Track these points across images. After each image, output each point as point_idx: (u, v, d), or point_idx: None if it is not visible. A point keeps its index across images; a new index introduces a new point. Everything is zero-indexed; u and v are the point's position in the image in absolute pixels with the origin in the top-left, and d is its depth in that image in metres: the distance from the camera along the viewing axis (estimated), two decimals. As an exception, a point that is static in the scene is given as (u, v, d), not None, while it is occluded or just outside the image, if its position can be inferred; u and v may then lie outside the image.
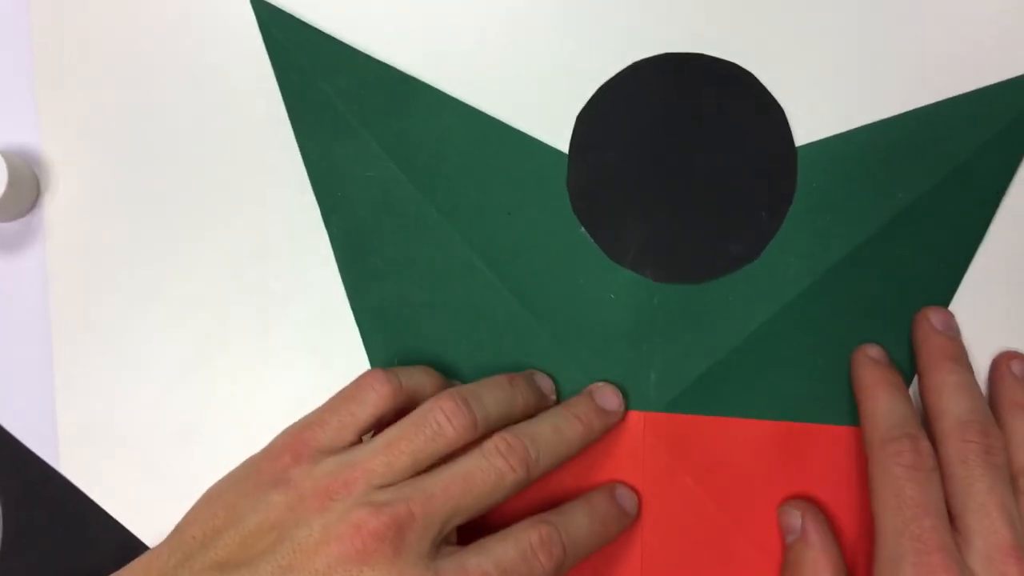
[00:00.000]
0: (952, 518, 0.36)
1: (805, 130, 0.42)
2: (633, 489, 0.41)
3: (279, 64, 0.43)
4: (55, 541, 0.42)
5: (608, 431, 0.40)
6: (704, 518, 0.41)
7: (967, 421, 0.37)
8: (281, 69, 0.43)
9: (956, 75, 0.41)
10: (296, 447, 0.36)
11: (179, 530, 0.36)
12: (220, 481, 0.37)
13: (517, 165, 0.42)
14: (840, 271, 0.41)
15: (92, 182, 0.43)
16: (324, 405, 0.38)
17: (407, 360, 0.42)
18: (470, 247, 0.42)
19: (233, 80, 0.43)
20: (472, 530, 0.37)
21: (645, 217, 0.42)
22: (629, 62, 0.42)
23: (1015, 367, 0.40)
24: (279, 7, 0.43)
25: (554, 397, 0.41)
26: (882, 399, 0.38)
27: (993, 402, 0.40)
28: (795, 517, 0.39)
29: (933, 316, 0.40)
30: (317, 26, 0.43)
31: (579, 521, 0.38)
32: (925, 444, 0.37)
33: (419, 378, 0.39)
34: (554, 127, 0.42)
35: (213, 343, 0.43)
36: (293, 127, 0.43)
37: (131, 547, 0.42)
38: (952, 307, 0.41)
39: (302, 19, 0.43)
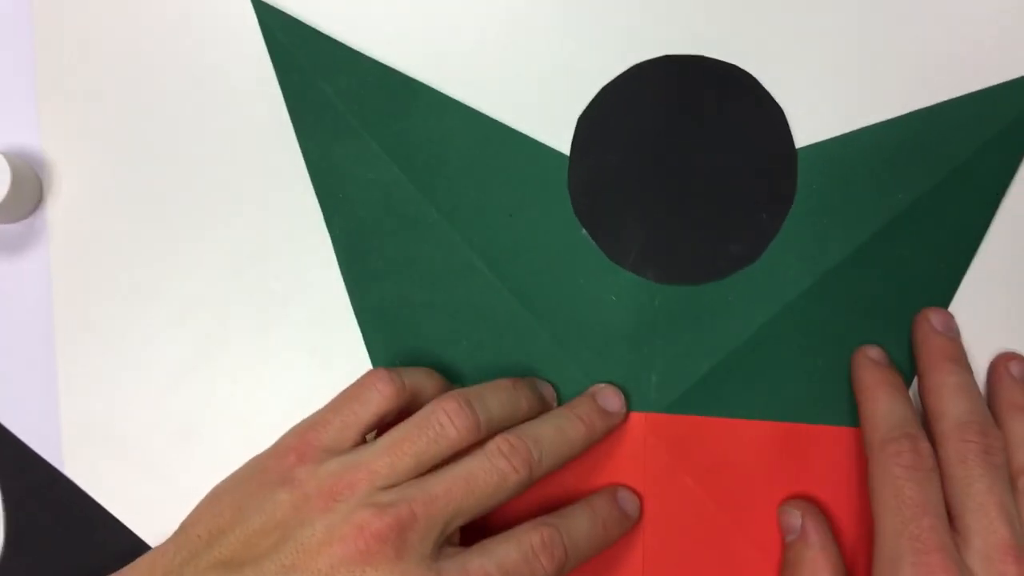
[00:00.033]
0: (951, 518, 0.36)
1: (805, 132, 0.42)
2: (635, 492, 0.41)
3: (280, 65, 0.43)
4: (58, 541, 0.42)
5: (610, 432, 0.41)
6: (705, 518, 0.41)
7: (966, 422, 0.37)
8: (282, 70, 0.43)
9: (956, 76, 0.41)
10: (301, 447, 0.36)
11: (184, 528, 0.36)
12: (225, 480, 0.38)
13: (518, 167, 0.42)
14: (840, 272, 0.41)
15: (94, 183, 0.43)
16: (328, 405, 0.38)
17: (408, 360, 0.42)
18: (471, 248, 0.42)
19: (234, 81, 0.43)
20: (475, 531, 0.37)
21: (646, 218, 0.42)
22: (630, 64, 0.43)
23: (1013, 368, 0.40)
24: (281, 9, 0.43)
25: (555, 404, 0.41)
26: (882, 400, 0.39)
27: (992, 403, 0.40)
28: (795, 517, 0.39)
29: (933, 317, 0.40)
30: (318, 28, 0.43)
31: (581, 524, 0.38)
32: (924, 445, 0.37)
33: (421, 379, 0.39)
34: (555, 129, 0.43)
35: (214, 343, 0.43)
36: (294, 128, 0.43)
37: (133, 547, 0.42)
38: (952, 308, 0.41)
39: (304, 21, 0.43)
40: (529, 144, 0.42)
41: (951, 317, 0.40)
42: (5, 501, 0.43)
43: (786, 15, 0.42)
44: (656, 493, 0.41)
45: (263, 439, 0.39)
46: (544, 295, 0.42)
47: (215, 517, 0.36)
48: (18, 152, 0.43)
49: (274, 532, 0.35)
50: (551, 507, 0.39)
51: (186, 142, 0.43)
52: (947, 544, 0.35)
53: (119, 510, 0.43)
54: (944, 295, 0.41)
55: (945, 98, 0.41)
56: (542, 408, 0.40)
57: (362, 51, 0.43)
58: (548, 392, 0.41)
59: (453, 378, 0.41)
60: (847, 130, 0.42)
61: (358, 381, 0.38)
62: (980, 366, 0.41)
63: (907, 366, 0.41)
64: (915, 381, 0.40)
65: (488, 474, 0.36)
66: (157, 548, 0.36)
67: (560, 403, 0.41)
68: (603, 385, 0.41)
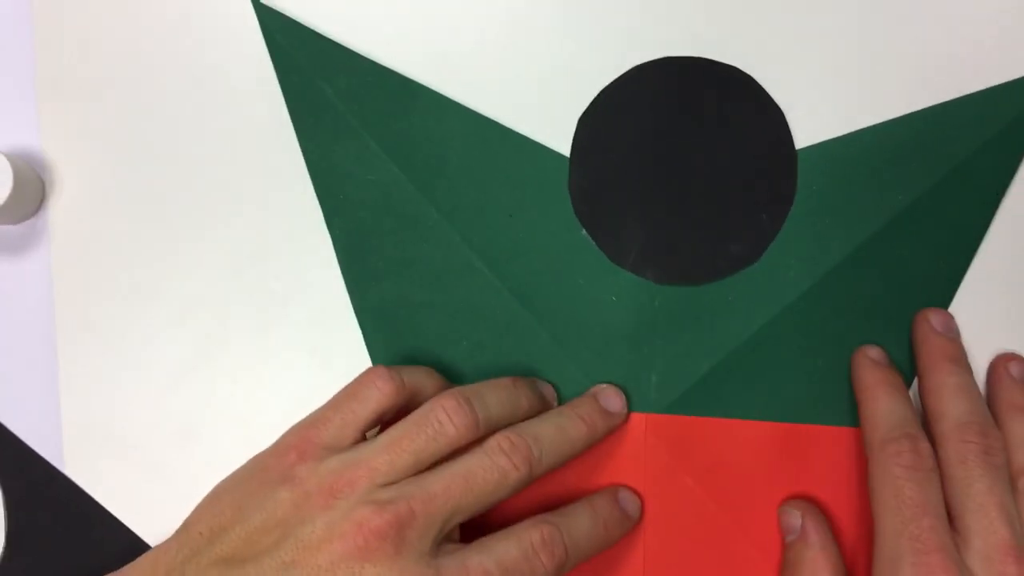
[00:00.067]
0: (951, 519, 0.36)
1: (805, 133, 0.42)
2: (636, 493, 0.41)
3: (281, 66, 0.43)
4: (58, 541, 0.42)
5: (611, 432, 0.41)
6: (705, 518, 0.41)
7: (966, 422, 0.37)
8: (283, 71, 0.43)
9: (956, 77, 0.41)
10: (301, 445, 0.36)
11: (187, 526, 0.37)
12: (227, 478, 0.38)
13: (518, 167, 0.42)
14: (840, 272, 0.41)
15: (95, 184, 0.43)
16: (327, 403, 0.38)
17: (408, 360, 0.42)
18: (471, 248, 0.42)
19: (235, 82, 0.43)
20: (475, 529, 0.37)
21: (646, 219, 0.42)
22: (630, 65, 0.43)
23: (1013, 369, 0.40)
24: (281, 11, 0.43)
25: (556, 404, 0.41)
26: (882, 400, 0.39)
27: (991, 404, 0.40)
28: (795, 517, 0.39)
29: (933, 317, 0.40)
30: (319, 29, 0.43)
31: (581, 523, 0.38)
32: (925, 445, 0.37)
33: (421, 377, 0.39)
34: (555, 130, 0.43)
35: (214, 343, 0.43)
36: (294, 128, 0.43)
37: (134, 547, 0.42)
38: (952, 308, 0.41)
39: (304, 23, 0.43)
40: (529, 145, 0.43)
41: (951, 317, 0.40)
42: (5, 500, 0.43)
43: (786, 16, 0.42)
44: (656, 493, 0.41)
45: (263, 439, 0.39)
46: (544, 295, 0.42)
47: (217, 515, 0.36)
48: (20, 153, 0.43)
49: (275, 530, 0.35)
50: (552, 507, 0.39)
51: (187, 143, 0.43)
52: (947, 544, 0.35)
53: (119, 510, 0.43)
54: (944, 295, 0.41)
55: (945, 98, 0.41)
56: (542, 407, 0.40)
57: (362, 52, 0.43)
58: (548, 392, 0.41)
59: (453, 378, 0.41)
60: (847, 131, 0.42)
61: (357, 379, 0.38)
62: (980, 366, 0.41)
63: (907, 366, 0.41)
64: (915, 381, 0.40)
65: (488, 472, 0.36)
66: (159, 546, 0.37)
67: (560, 404, 0.41)
68: (604, 385, 0.41)
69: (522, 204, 0.42)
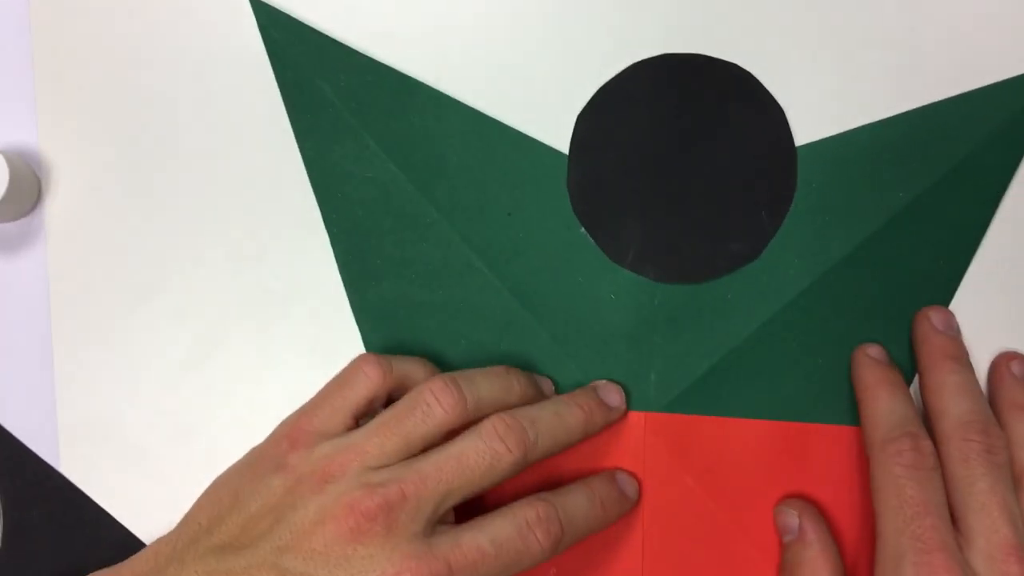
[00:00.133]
0: (954, 518, 0.36)
1: (805, 130, 0.42)
2: (634, 475, 0.41)
3: (278, 64, 0.43)
4: (55, 540, 0.42)
5: (608, 426, 0.40)
6: (704, 518, 0.41)
7: (968, 421, 0.37)
8: (280, 69, 0.43)
9: (955, 74, 0.41)
10: (294, 434, 0.37)
11: (187, 517, 0.38)
12: (225, 471, 0.39)
13: (517, 166, 0.42)
14: (840, 271, 0.41)
15: (92, 182, 0.43)
16: (319, 392, 0.39)
17: (407, 360, 0.42)
18: (470, 247, 0.42)
19: (232, 80, 0.43)
20: (471, 515, 0.37)
21: (645, 217, 0.42)
22: (629, 62, 0.42)
23: (1015, 368, 0.40)
24: (278, 8, 0.43)
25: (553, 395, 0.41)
26: (883, 399, 0.38)
27: (993, 403, 0.40)
28: (792, 517, 0.39)
29: (933, 316, 0.40)
30: (316, 27, 0.43)
31: (578, 501, 0.38)
32: (926, 444, 0.37)
33: (411, 366, 0.39)
34: (554, 128, 0.42)
35: (213, 343, 0.43)
36: (293, 127, 0.43)
37: (130, 545, 0.42)
38: (952, 307, 0.41)
39: (301, 20, 0.43)
40: (528, 143, 0.42)
41: (951, 315, 0.40)
42: (2, 499, 0.43)
43: (786, 13, 0.42)
44: (655, 492, 0.41)
45: (261, 438, 0.39)
46: (543, 294, 0.42)
47: (214, 505, 0.37)
48: (16, 150, 0.43)
49: (269, 516, 0.35)
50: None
51: (184, 141, 0.43)
52: (949, 544, 0.35)
53: (115, 508, 0.43)
54: (944, 294, 0.41)
55: (945, 96, 0.41)
56: (537, 396, 0.40)
57: (360, 50, 0.43)
58: (547, 385, 0.41)
59: (452, 377, 0.41)
60: (847, 128, 0.42)
61: (346, 366, 0.39)
62: (981, 365, 0.41)
63: (907, 365, 0.41)
64: (915, 380, 0.40)
65: (480, 454, 0.36)
66: (161, 537, 0.38)
67: (558, 403, 0.41)
68: (603, 381, 0.41)
69: (521, 202, 0.42)
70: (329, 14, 0.43)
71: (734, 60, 0.42)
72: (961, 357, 0.39)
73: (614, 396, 0.41)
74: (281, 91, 0.43)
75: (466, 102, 0.43)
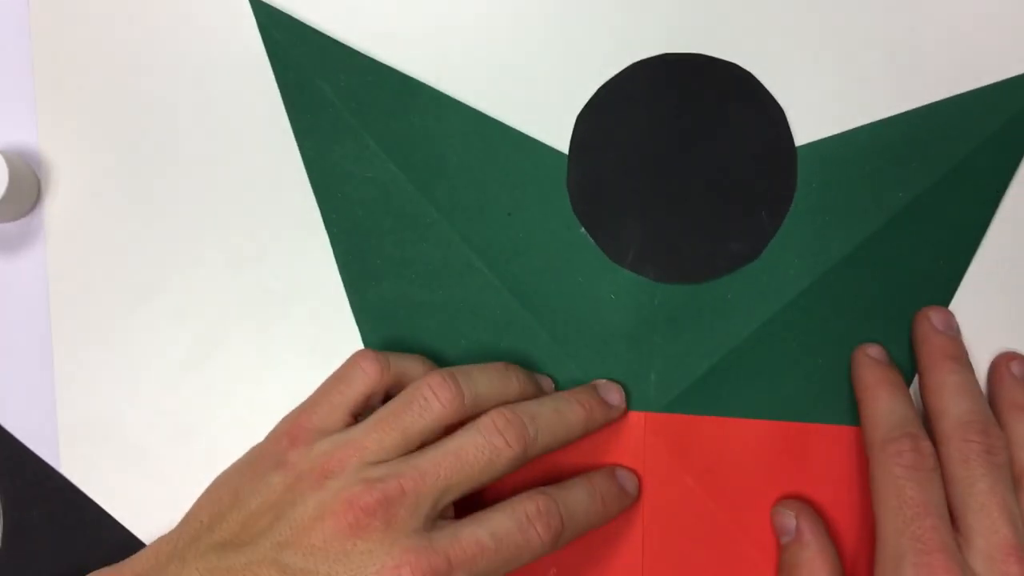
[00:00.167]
0: (953, 518, 0.36)
1: (805, 130, 0.42)
2: (635, 472, 0.41)
3: (278, 64, 0.43)
4: (55, 540, 0.42)
5: (608, 424, 0.40)
6: (704, 518, 0.41)
7: (968, 421, 0.37)
8: (280, 69, 0.43)
9: (955, 74, 0.41)
10: (293, 431, 0.37)
11: (188, 516, 0.38)
12: (227, 469, 0.39)
13: (517, 165, 0.42)
14: (840, 271, 0.41)
15: (92, 182, 0.43)
16: (317, 388, 0.39)
17: (407, 360, 0.42)
18: (470, 247, 0.42)
19: (232, 80, 0.43)
20: (471, 510, 0.37)
21: (645, 217, 0.42)
22: (629, 62, 0.42)
23: (1015, 368, 0.40)
24: (278, 8, 0.43)
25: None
26: (883, 399, 0.38)
27: (993, 403, 0.40)
28: (789, 518, 0.39)
29: (933, 316, 0.40)
30: (317, 27, 0.43)
31: (578, 495, 0.38)
32: (926, 444, 0.37)
33: (408, 362, 0.39)
34: (554, 127, 0.42)
35: (213, 343, 0.43)
36: (292, 127, 0.43)
37: (130, 545, 0.42)
38: (952, 307, 0.41)
39: (301, 19, 0.43)
40: (528, 143, 0.42)
41: (951, 316, 0.40)
42: (2, 499, 0.43)
43: (786, 13, 0.42)
44: (655, 492, 0.41)
45: (261, 438, 0.39)
46: (543, 294, 0.42)
47: (215, 503, 0.37)
48: (16, 150, 0.43)
49: (269, 513, 0.35)
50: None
51: (183, 141, 0.43)
52: (949, 544, 0.35)
53: (115, 508, 0.43)
54: (944, 294, 0.41)
55: (945, 96, 0.41)
56: (536, 392, 0.40)
57: (360, 50, 0.43)
58: (547, 383, 0.41)
59: (452, 377, 0.41)
60: (847, 128, 0.42)
61: (344, 363, 0.39)
62: (980, 365, 0.41)
63: (907, 365, 0.41)
64: (915, 380, 0.40)
65: (480, 449, 0.36)
66: (163, 536, 0.38)
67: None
68: (603, 380, 0.41)
69: (521, 202, 0.42)
70: (330, 14, 0.43)
71: (734, 60, 0.42)
72: (961, 357, 0.39)
73: (614, 395, 0.41)
74: (281, 91, 0.43)
75: (466, 102, 0.43)
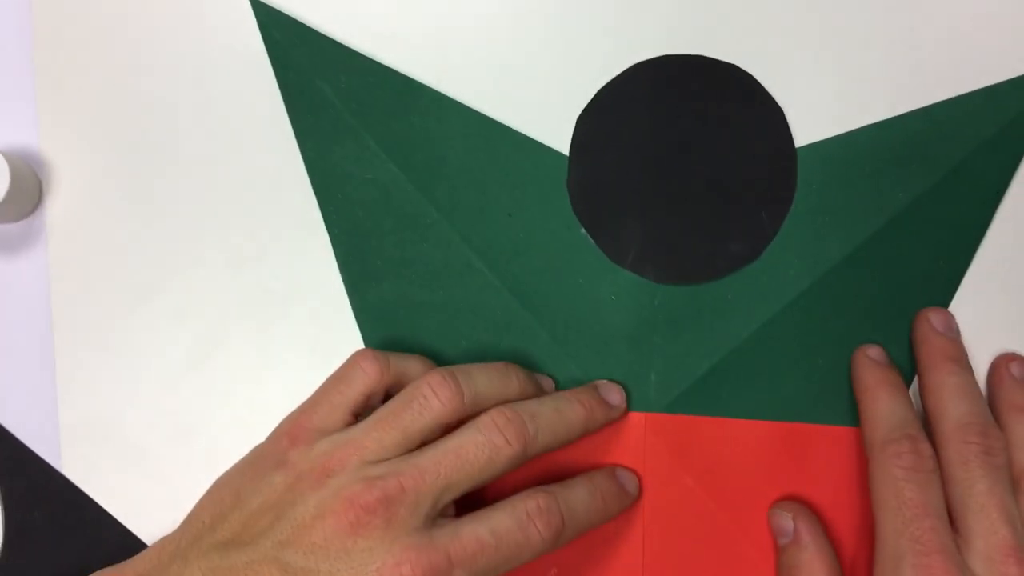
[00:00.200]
0: (952, 519, 0.36)
1: (805, 131, 0.42)
2: (635, 472, 0.41)
3: (279, 65, 0.43)
4: (56, 540, 0.42)
5: (609, 424, 0.41)
6: (704, 518, 0.41)
7: (967, 423, 0.37)
8: (281, 70, 0.43)
9: (955, 76, 0.41)
10: (293, 431, 0.37)
11: (190, 516, 0.38)
12: (228, 469, 0.39)
13: (517, 166, 0.42)
14: (840, 272, 0.41)
15: (93, 183, 0.43)
16: (317, 389, 0.39)
17: (407, 360, 0.42)
18: (470, 248, 0.42)
19: (233, 81, 0.43)
20: (472, 509, 0.37)
21: (645, 218, 0.42)
22: (629, 63, 0.42)
23: (1014, 369, 0.40)
24: (279, 9, 0.43)
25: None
26: (883, 400, 0.38)
27: (992, 404, 0.40)
28: (786, 519, 0.39)
29: (933, 317, 0.40)
30: (317, 27, 0.43)
31: (579, 494, 0.38)
32: (925, 446, 0.37)
33: (408, 362, 0.40)
34: (555, 129, 0.42)
35: (214, 343, 0.43)
36: (293, 128, 0.43)
37: (131, 546, 0.42)
38: (952, 307, 0.41)
39: (302, 21, 0.43)
40: (528, 144, 0.42)
41: (951, 317, 0.40)
42: (3, 500, 0.43)
43: (786, 14, 0.42)
44: (656, 493, 0.41)
45: (261, 438, 0.39)
46: (543, 295, 0.42)
47: (217, 503, 0.37)
48: (17, 151, 0.43)
49: (270, 512, 0.36)
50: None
51: (184, 141, 0.43)
52: (948, 545, 0.35)
53: (117, 509, 0.43)
54: (944, 294, 0.41)
55: (945, 97, 0.41)
56: (536, 392, 0.40)
57: (361, 51, 0.43)
58: (547, 383, 0.41)
59: (452, 378, 0.41)
60: (847, 129, 0.42)
61: (344, 363, 0.39)
62: (980, 366, 0.41)
63: (907, 366, 0.41)
64: (915, 381, 0.40)
65: (479, 447, 0.36)
66: (166, 536, 0.38)
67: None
68: (604, 380, 0.41)
69: (521, 203, 0.42)
70: (330, 15, 0.43)
71: (734, 61, 0.42)
72: (960, 359, 0.39)
73: (615, 395, 0.41)
74: (282, 92, 0.43)
75: (467, 103, 0.43)
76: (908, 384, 0.40)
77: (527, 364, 0.41)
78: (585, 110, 0.42)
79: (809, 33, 0.42)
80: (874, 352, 0.40)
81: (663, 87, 0.42)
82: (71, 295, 0.43)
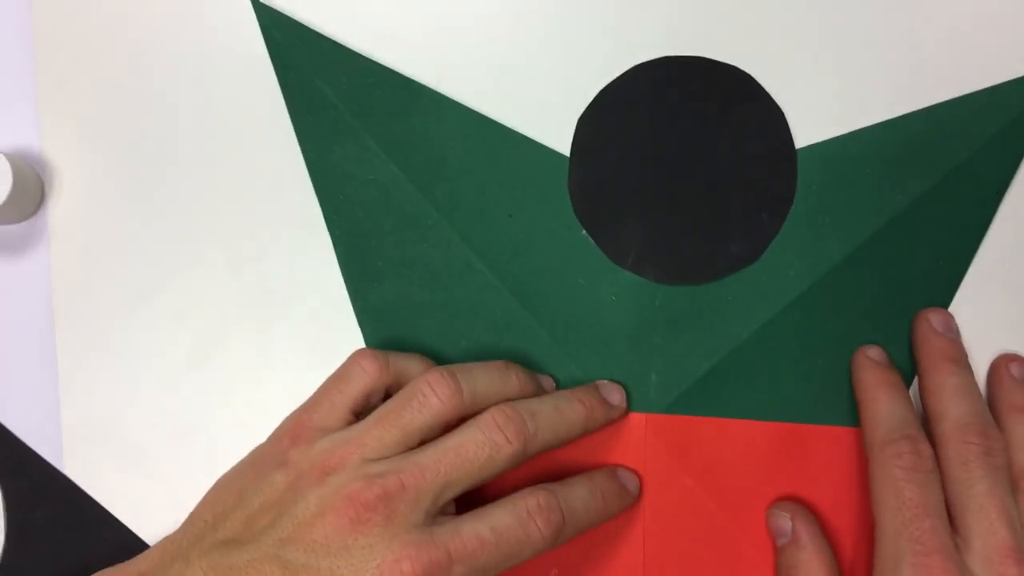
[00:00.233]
0: (952, 520, 0.36)
1: (805, 132, 0.42)
2: (636, 472, 0.41)
3: (280, 66, 0.43)
4: (58, 541, 0.43)
5: (609, 424, 0.41)
6: (705, 519, 0.41)
7: (967, 423, 0.37)
8: (282, 71, 0.43)
9: (956, 76, 0.41)
10: (294, 430, 0.38)
11: (192, 516, 0.38)
12: (230, 469, 0.39)
13: (518, 167, 0.42)
14: (840, 272, 0.41)
15: (95, 184, 0.43)
16: (318, 388, 0.39)
17: (407, 360, 0.42)
18: (470, 248, 0.42)
19: (234, 82, 0.43)
20: (472, 508, 0.37)
21: (646, 219, 0.42)
22: (630, 65, 0.43)
23: (1014, 369, 0.40)
24: (280, 10, 0.43)
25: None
26: (883, 400, 0.38)
27: (992, 405, 0.40)
28: (785, 520, 0.39)
29: (933, 317, 0.40)
30: (318, 29, 0.43)
31: (579, 492, 0.38)
32: (925, 446, 0.37)
33: (408, 360, 0.40)
34: (555, 130, 0.43)
35: (214, 343, 0.43)
36: (294, 128, 0.43)
37: (133, 546, 0.42)
38: (952, 308, 0.41)
39: (303, 22, 0.43)
40: (529, 145, 0.42)
41: (951, 317, 0.40)
42: (5, 500, 0.43)
43: (786, 15, 0.42)
44: (656, 493, 0.41)
45: (261, 438, 0.39)
46: (544, 295, 0.42)
47: (218, 503, 0.37)
48: (19, 152, 0.43)
49: (271, 511, 0.36)
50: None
51: (186, 142, 0.43)
52: (947, 545, 0.35)
53: (119, 509, 0.43)
54: (944, 295, 0.41)
55: (945, 98, 0.41)
56: (536, 390, 0.40)
57: (361, 52, 0.43)
58: (548, 383, 0.41)
59: (453, 378, 0.41)
60: (847, 130, 0.42)
61: (344, 362, 0.39)
62: (980, 366, 0.41)
63: (907, 366, 0.41)
64: (915, 381, 0.40)
65: (479, 445, 0.36)
66: (167, 536, 0.38)
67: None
68: (604, 380, 0.41)
69: (522, 204, 0.42)
70: (331, 16, 0.43)
71: (734, 63, 0.42)
72: (960, 359, 0.39)
73: (615, 395, 0.41)
74: (283, 93, 0.43)
75: (467, 104, 0.43)
76: (908, 384, 0.40)
77: (527, 364, 0.41)
78: (586, 111, 0.42)
79: (809, 33, 0.42)
80: (874, 353, 0.40)
81: (663, 88, 0.42)
82: (72, 295, 0.43)
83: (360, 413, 0.38)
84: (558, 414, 0.38)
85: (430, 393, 0.37)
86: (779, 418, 0.41)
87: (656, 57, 0.42)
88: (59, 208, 0.44)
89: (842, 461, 0.40)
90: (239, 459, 0.39)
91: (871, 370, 0.40)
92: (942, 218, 0.41)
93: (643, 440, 0.41)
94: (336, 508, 0.34)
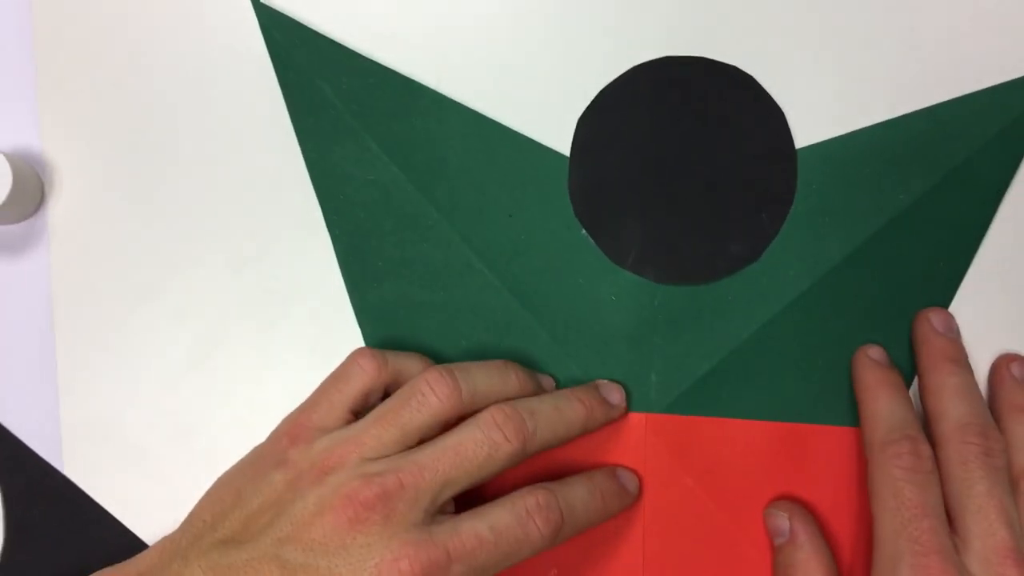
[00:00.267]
0: (951, 520, 0.36)
1: (805, 132, 0.42)
2: (636, 472, 0.41)
3: (280, 66, 0.43)
4: (57, 540, 0.43)
5: (608, 423, 0.41)
6: (704, 519, 0.41)
7: (967, 423, 0.37)
8: (282, 71, 0.43)
9: (956, 76, 0.41)
10: (293, 430, 0.38)
11: (191, 516, 0.38)
12: (229, 469, 0.39)
13: (518, 168, 0.42)
14: (840, 272, 0.41)
15: (95, 184, 0.43)
16: (317, 388, 0.39)
17: (407, 360, 0.42)
18: (470, 248, 0.42)
19: (234, 82, 0.43)
20: (471, 507, 0.37)
21: (646, 219, 0.42)
22: (630, 65, 0.43)
23: (1015, 369, 0.40)
24: (280, 10, 0.43)
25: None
26: (882, 400, 0.38)
27: (993, 405, 0.40)
28: (782, 519, 0.39)
29: (933, 317, 0.40)
30: (318, 29, 0.43)
31: (579, 492, 0.38)
32: (925, 446, 0.37)
33: (406, 360, 0.40)
34: (555, 130, 0.43)
35: (214, 343, 0.43)
36: (294, 129, 0.43)
37: (132, 546, 0.42)
38: (952, 308, 0.41)
39: (303, 22, 0.43)
40: (529, 145, 0.42)
41: (951, 317, 0.40)
42: (4, 500, 0.43)
43: (786, 15, 0.42)
44: (656, 493, 0.41)
45: (261, 438, 0.39)
46: (544, 295, 0.42)
47: (217, 503, 0.37)
48: (19, 152, 0.43)
49: (270, 510, 0.36)
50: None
51: (186, 142, 0.43)
52: (946, 546, 0.35)
53: (118, 509, 0.43)
54: (944, 295, 0.41)
55: (945, 98, 0.41)
56: (535, 390, 0.40)
57: (362, 52, 0.43)
58: (547, 382, 0.41)
59: (452, 378, 0.41)
60: (847, 130, 0.42)
61: (343, 361, 0.39)
62: (980, 366, 0.41)
63: (907, 366, 0.41)
64: (915, 381, 0.40)
65: (479, 444, 0.36)
66: (167, 535, 0.38)
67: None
68: (604, 380, 0.41)
69: (522, 204, 0.42)
70: (331, 16, 0.43)
71: (734, 63, 0.42)
72: (960, 359, 0.39)
73: (615, 394, 0.41)
74: (283, 93, 0.43)
75: (467, 104, 0.43)
76: (908, 384, 0.40)
77: (528, 364, 0.41)
78: (586, 111, 0.42)
79: (809, 33, 0.42)
80: (875, 352, 0.40)
81: (663, 88, 0.42)
82: (73, 295, 0.43)
83: (359, 412, 0.38)
84: (557, 413, 0.38)
85: (429, 392, 0.37)
86: (779, 418, 0.41)
87: (656, 57, 0.42)
88: (59, 208, 0.44)
89: (842, 461, 0.40)
90: (239, 459, 0.39)
91: (871, 370, 0.40)
92: (942, 218, 0.41)
93: (643, 440, 0.41)
94: (335, 507, 0.34)
